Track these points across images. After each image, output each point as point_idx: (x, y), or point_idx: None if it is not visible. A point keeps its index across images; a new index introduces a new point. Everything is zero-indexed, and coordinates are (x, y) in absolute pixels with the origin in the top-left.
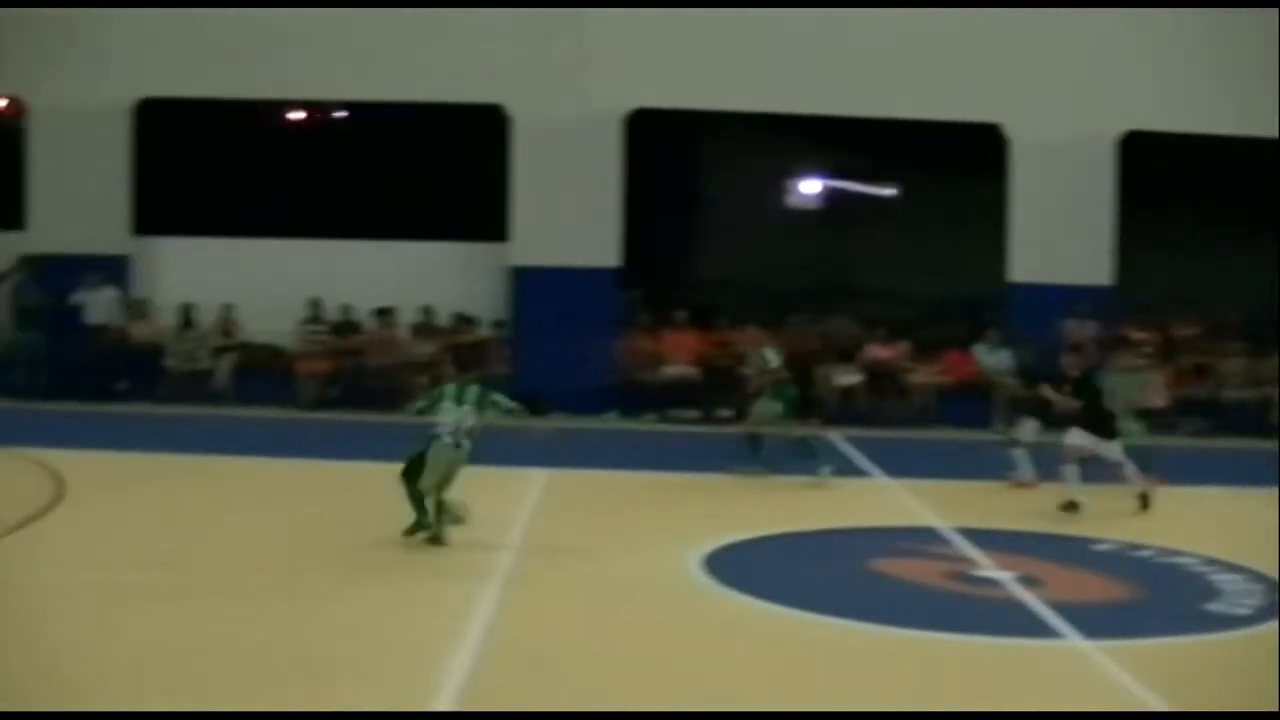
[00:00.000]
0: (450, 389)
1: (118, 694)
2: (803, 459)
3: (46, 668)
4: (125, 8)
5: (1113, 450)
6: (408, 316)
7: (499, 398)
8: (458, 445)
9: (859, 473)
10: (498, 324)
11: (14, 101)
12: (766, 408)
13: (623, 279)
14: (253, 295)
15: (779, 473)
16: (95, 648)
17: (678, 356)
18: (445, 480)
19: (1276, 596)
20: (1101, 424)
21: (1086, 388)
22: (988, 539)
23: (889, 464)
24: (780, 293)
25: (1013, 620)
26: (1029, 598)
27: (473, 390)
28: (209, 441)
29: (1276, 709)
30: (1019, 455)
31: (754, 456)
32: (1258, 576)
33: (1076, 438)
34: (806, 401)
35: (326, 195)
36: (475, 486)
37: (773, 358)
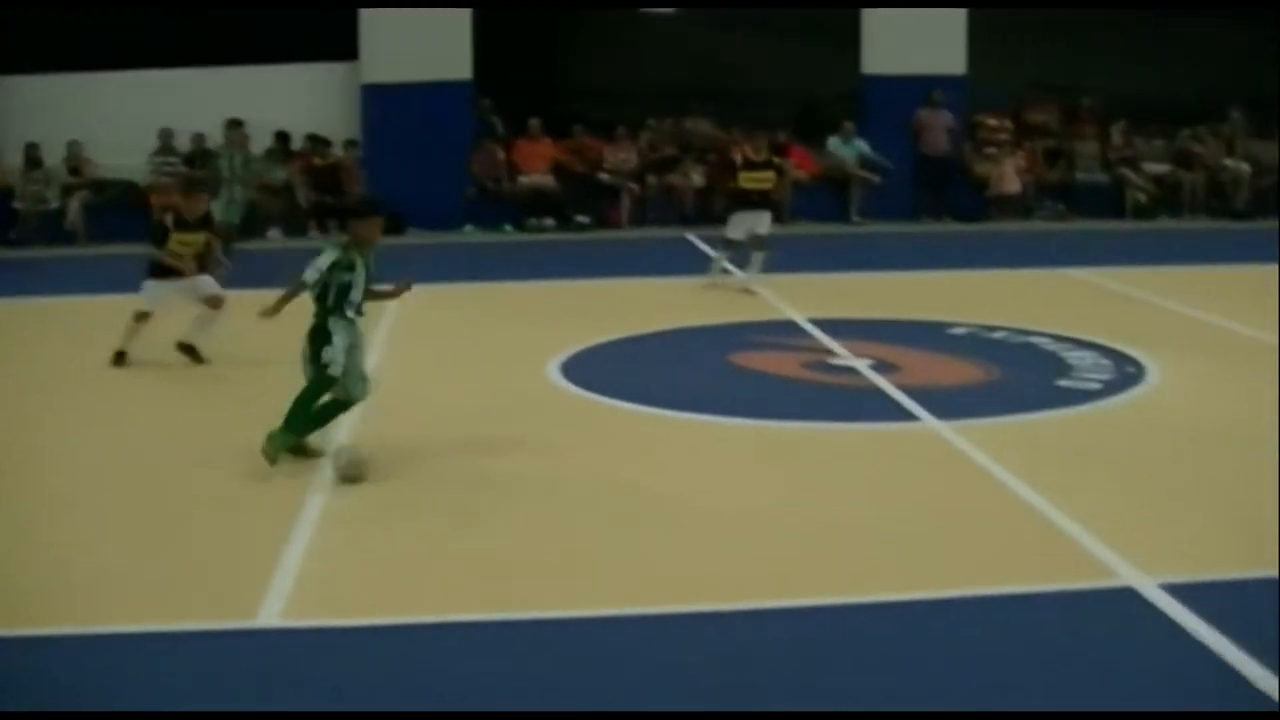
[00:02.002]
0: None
1: None
2: None
3: None
4: None
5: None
6: (262, 142)
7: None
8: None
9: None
10: (350, 144)
11: None
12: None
13: (476, 91)
14: (102, 131)
15: None
16: None
17: (533, 166)
18: None
19: (1125, 370)
20: None
21: None
22: (844, 328)
23: (745, 260)
24: (638, 97)
25: (868, 406)
26: (884, 383)
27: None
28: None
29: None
30: None
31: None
32: (1107, 351)
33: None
34: None
35: (171, 23)
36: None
37: None
